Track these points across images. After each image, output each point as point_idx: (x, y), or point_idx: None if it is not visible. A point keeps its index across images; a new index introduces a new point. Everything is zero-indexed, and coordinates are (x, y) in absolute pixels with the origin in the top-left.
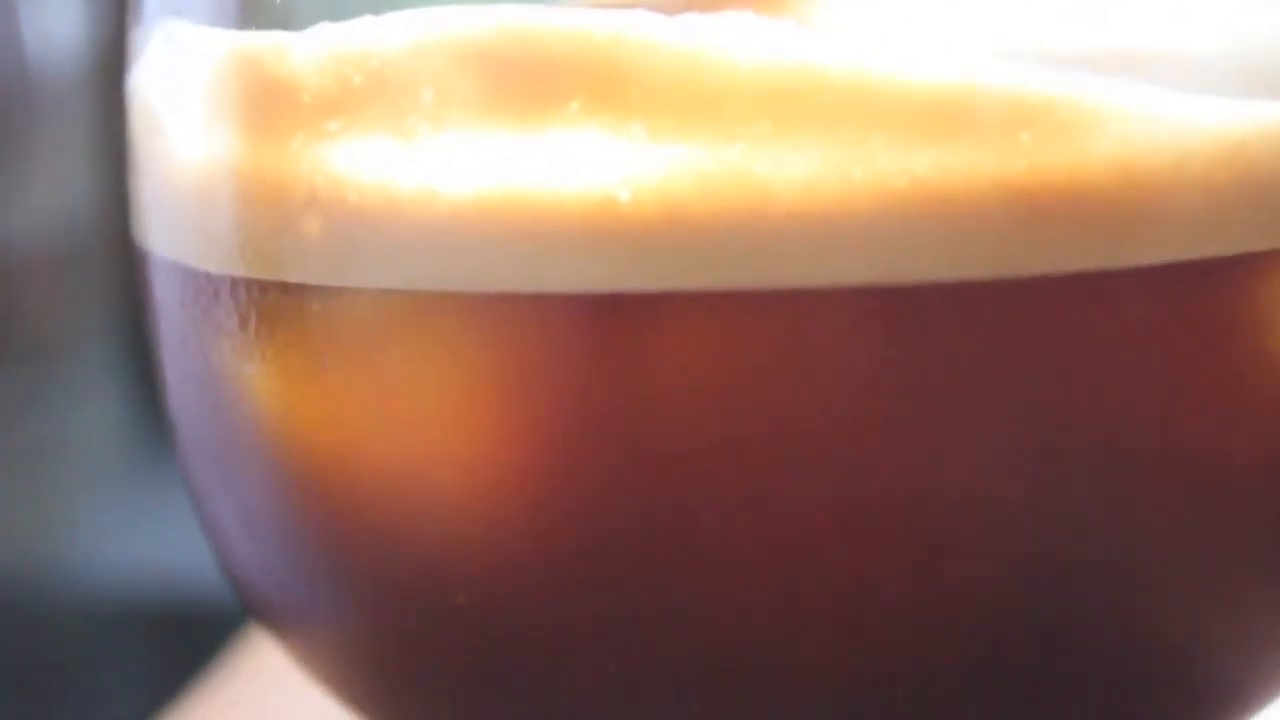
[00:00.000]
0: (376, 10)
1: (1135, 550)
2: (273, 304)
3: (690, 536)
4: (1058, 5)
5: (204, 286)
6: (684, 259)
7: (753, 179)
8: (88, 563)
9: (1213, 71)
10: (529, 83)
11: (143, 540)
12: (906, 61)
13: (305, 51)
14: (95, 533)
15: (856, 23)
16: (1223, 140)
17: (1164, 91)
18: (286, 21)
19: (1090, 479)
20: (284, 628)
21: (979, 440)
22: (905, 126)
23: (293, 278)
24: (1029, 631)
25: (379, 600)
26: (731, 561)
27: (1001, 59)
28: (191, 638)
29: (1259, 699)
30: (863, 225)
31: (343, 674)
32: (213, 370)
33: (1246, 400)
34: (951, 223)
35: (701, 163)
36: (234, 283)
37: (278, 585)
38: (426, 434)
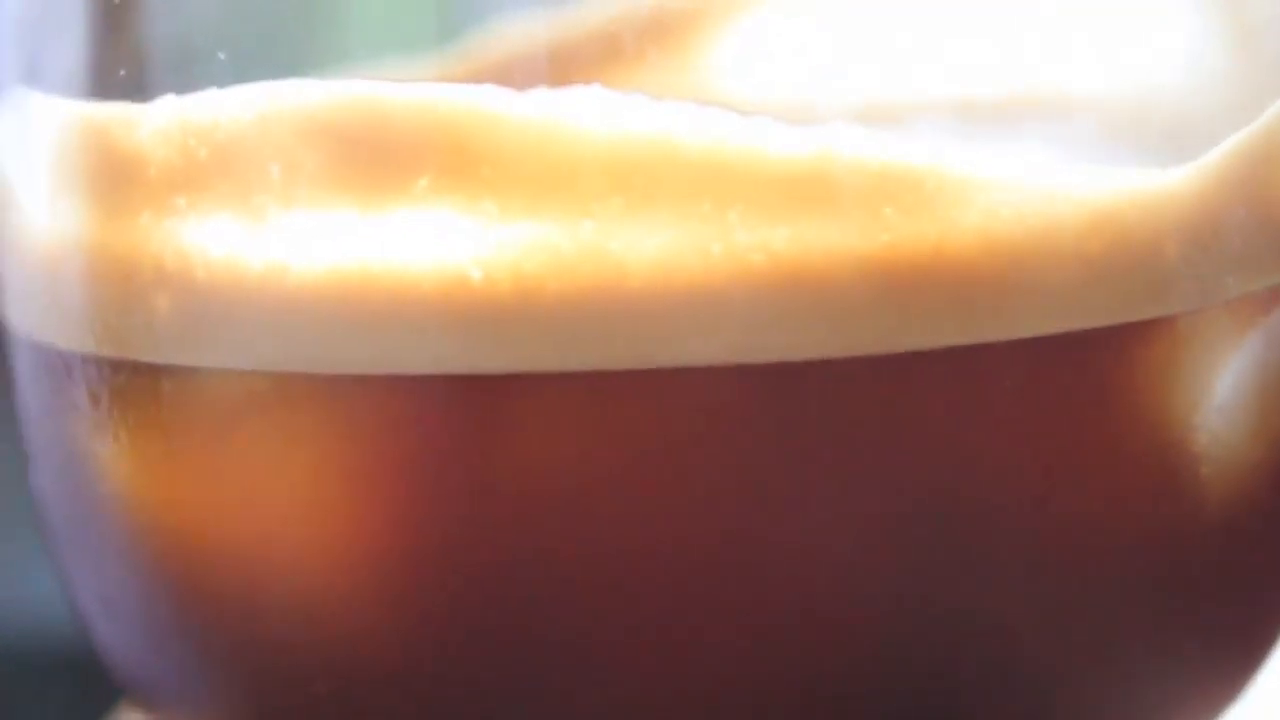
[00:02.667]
0: (239, 79)
1: (1010, 622)
2: (124, 383)
3: (548, 619)
4: (952, 55)
5: (56, 363)
6: (538, 339)
7: (607, 256)
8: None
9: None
10: (376, 158)
11: (52, 579)
12: (763, 134)
13: (152, 124)
14: (6, 572)
15: (731, 89)
16: (1093, 209)
17: (1033, 161)
18: (140, 92)
19: (963, 553)
20: (153, 708)
21: (846, 517)
22: (763, 201)
23: (143, 357)
24: (902, 701)
25: (238, 687)
26: (587, 643)
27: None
28: (102, 678)
29: None
30: (720, 303)
31: None
32: (68, 448)
33: (1121, 471)
34: (812, 299)
35: (554, 240)
36: (85, 360)
37: (140, 666)
38: (279, 519)
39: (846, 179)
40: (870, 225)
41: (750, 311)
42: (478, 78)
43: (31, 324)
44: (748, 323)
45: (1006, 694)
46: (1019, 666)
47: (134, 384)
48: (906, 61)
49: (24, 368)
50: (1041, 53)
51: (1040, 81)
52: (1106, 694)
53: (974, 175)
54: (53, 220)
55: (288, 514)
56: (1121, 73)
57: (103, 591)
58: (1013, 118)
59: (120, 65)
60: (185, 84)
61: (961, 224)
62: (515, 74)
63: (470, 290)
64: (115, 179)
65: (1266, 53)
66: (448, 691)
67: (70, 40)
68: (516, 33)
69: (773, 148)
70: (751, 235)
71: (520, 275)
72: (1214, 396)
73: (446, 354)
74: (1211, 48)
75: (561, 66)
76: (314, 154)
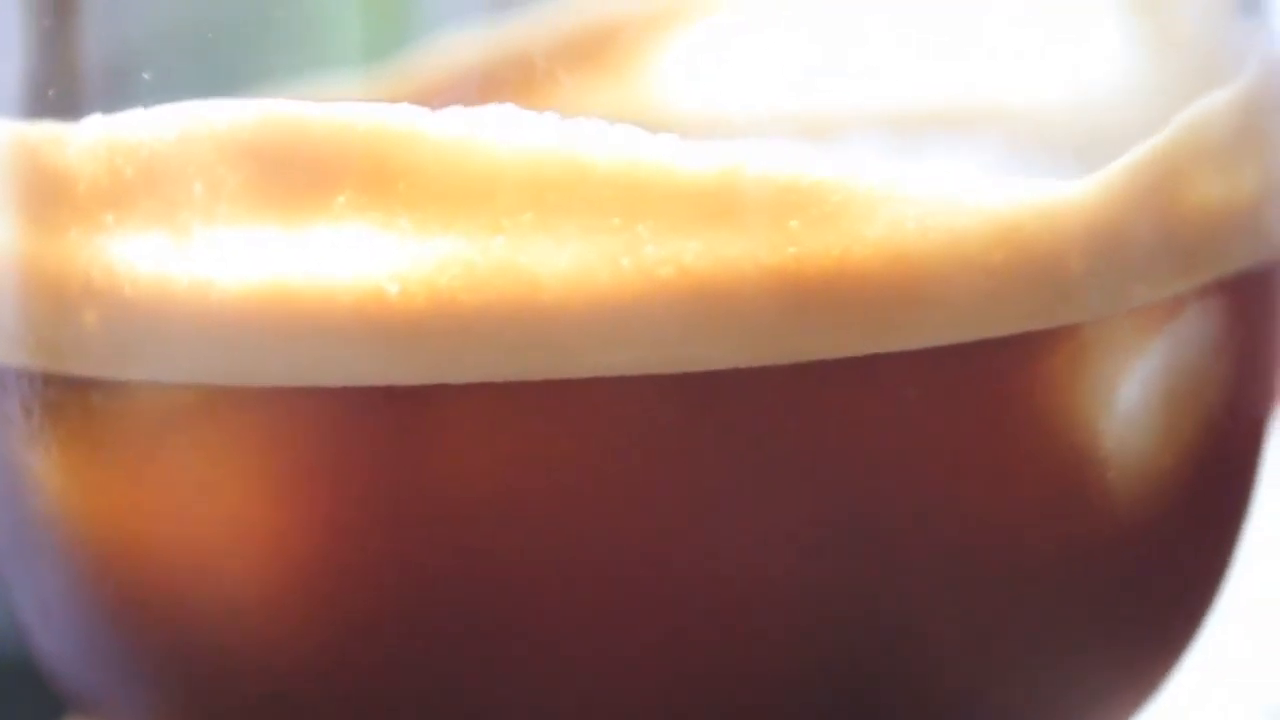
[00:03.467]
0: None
1: (923, 625)
2: (55, 395)
3: (467, 625)
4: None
5: None
6: (454, 351)
7: (519, 270)
8: None
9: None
10: (296, 176)
11: None
12: (671, 150)
13: (80, 143)
14: None
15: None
16: (997, 221)
17: (938, 174)
18: (73, 111)
19: (875, 559)
20: (93, 715)
21: (757, 524)
22: (672, 215)
23: (74, 370)
24: (821, 702)
25: (173, 693)
26: (507, 647)
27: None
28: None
29: None
30: (631, 315)
31: None
32: (3, 460)
33: (1027, 477)
34: (720, 311)
35: (468, 254)
36: (17, 373)
37: (78, 675)
38: (207, 527)
39: (753, 193)
40: (776, 238)
41: (660, 323)
42: (418, 95)
43: None
44: (657, 334)
45: (923, 695)
46: (934, 668)
47: (65, 396)
48: (830, 75)
49: None
50: (967, 65)
51: (966, 93)
52: (1021, 695)
53: (879, 188)
54: None
55: (215, 523)
56: (1049, 84)
57: (40, 601)
58: (940, 129)
59: (52, 85)
60: (116, 103)
61: (866, 236)
62: (453, 91)
63: (386, 304)
64: (45, 196)
65: (1187, 63)
66: (375, 694)
67: (5, 61)
68: (455, 50)
69: (680, 164)
70: (661, 249)
71: (435, 289)
72: (1119, 403)
73: (364, 366)
74: (1139, 59)
75: (497, 83)
76: (235, 172)
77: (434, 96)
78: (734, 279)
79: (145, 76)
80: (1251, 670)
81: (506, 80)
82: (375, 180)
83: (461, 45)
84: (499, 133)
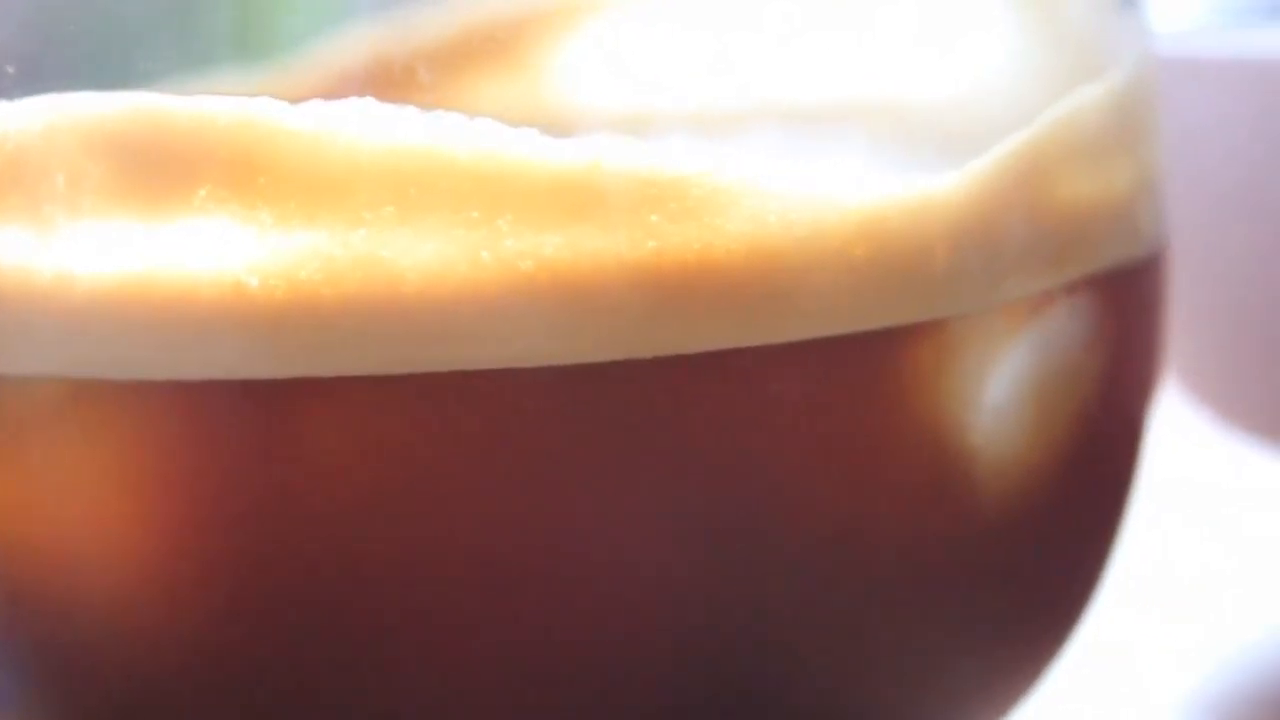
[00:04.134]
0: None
1: (796, 619)
2: None
3: (335, 620)
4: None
5: None
6: (315, 345)
7: (380, 264)
8: None
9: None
10: (158, 168)
11: None
12: (531, 144)
13: None
14: None
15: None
16: (860, 216)
17: (799, 168)
18: None
19: (744, 554)
20: None
21: (625, 519)
22: (532, 209)
23: None
24: (694, 696)
25: (49, 689)
26: (381, 642)
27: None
28: None
29: None
30: (492, 309)
31: None
32: None
33: (895, 471)
34: (581, 305)
35: (329, 248)
36: None
37: None
38: (71, 523)
39: (613, 187)
40: (637, 232)
41: (521, 317)
42: (304, 95)
43: None
44: (519, 328)
45: (792, 692)
46: (803, 665)
47: None
48: (717, 71)
49: None
50: (853, 60)
51: (854, 88)
52: (894, 690)
53: (740, 183)
54: None
55: (80, 517)
56: (934, 78)
57: None
58: (829, 124)
59: None
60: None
61: (727, 230)
62: (335, 91)
63: (247, 297)
64: None
65: (1064, 57)
66: (241, 690)
67: None
68: (341, 49)
69: (540, 158)
70: (521, 243)
71: (295, 283)
72: (987, 399)
73: (227, 360)
74: (1019, 52)
75: (381, 82)
76: (98, 165)
77: (318, 95)
78: (594, 273)
79: (9, 70)
80: (1158, 661)
81: (390, 79)
82: (236, 173)
83: (348, 44)
84: (359, 126)
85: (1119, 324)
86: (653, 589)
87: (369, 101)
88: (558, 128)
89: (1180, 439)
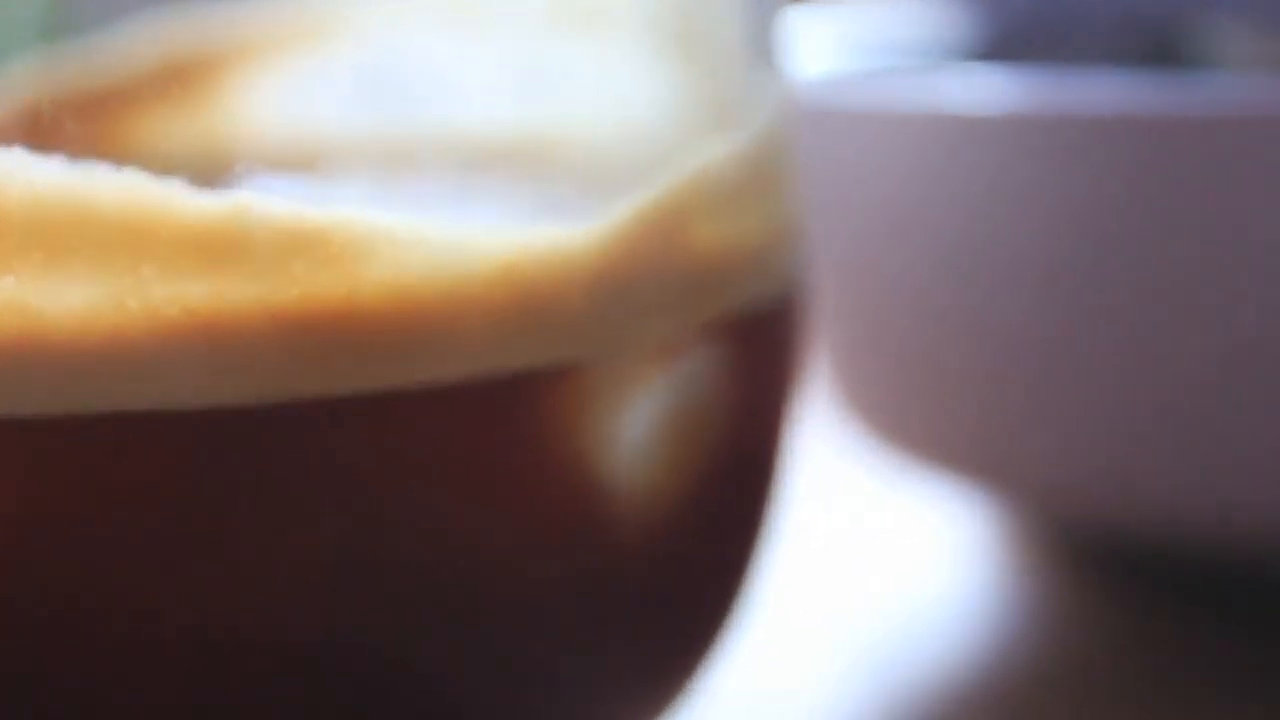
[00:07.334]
0: None
1: (440, 660)
2: None
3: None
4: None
5: None
6: None
7: (29, 310)
8: None
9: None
10: None
11: None
12: (177, 192)
13: None
14: None
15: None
16: (498, 263)
17: (444, 217)
18: None
19: (387, 597)
20: None
21: (266, 561)
22: (177, 257)
23: None
24: None
25: None
26: (28, 682)
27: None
28: None
29: None
30: (139, 355)
31: None
32: None
33: (532, 513)
34: (225, 350)
35: None
36: None
37: None
38: None
39: (257, 236)
40: (281, 280)
41: (168, 363)
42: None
43: None
44: (165, 373)
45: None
46: (446, 706)
47: None
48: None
49: None
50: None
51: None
52: (542, 714)
53: (378, 232)
54: None
55: None
56: (585, 120)
57: None
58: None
59: None
60: None
61: (369, 277)
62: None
63: None
64: None
65: (702, 108)
66: None
67: None
68: (11, 82)
69: (183, 206)
70: (166, 290)
71: None
72: (626, 436)
73: None
74: (660, 101)
75: (37, 127)
76: None
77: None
78: (238, 320)
79: None
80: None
81: (40, 126)
82: None
83: (19, 77)
84: (4, 173)
85: (752, 363)
86: (288, 634)
87: (16, 149)
88: (226, 169)
89: (839, 463)
